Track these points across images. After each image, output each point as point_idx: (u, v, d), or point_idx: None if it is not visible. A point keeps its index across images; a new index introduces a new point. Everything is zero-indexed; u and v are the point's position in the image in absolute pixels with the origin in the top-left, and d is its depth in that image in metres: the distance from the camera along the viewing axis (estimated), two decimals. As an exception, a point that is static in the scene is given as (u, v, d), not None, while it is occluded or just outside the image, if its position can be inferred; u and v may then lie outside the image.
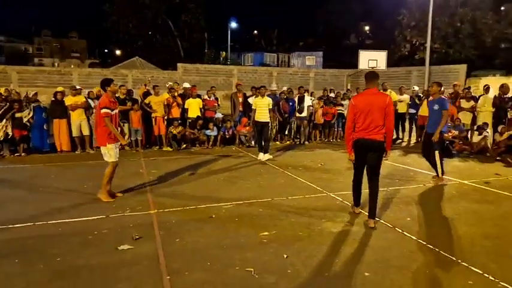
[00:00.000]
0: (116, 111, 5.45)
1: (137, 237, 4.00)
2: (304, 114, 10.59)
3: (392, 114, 4.23)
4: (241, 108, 10.67)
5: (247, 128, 10.36)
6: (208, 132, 10.23)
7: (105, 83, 5.34)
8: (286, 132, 11.08)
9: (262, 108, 8.32)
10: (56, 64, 44.90)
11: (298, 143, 10.89)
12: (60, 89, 9.30)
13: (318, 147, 10.31)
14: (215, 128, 10.35)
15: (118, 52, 46.07)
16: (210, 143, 10.17)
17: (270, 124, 8.84)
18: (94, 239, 3.99)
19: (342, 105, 11.30)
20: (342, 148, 10.00)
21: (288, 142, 10.96)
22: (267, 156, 8.37)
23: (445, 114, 5.99)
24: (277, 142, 10.87)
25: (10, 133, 8.39)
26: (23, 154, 8.68)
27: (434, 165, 6.30)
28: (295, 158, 8.71)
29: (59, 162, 8.05)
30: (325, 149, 9.94)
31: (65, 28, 54.86)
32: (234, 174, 6.99)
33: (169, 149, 9.72)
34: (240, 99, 10.66)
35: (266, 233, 4.13)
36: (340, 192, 5.65)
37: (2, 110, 8.27)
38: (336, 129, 11.34)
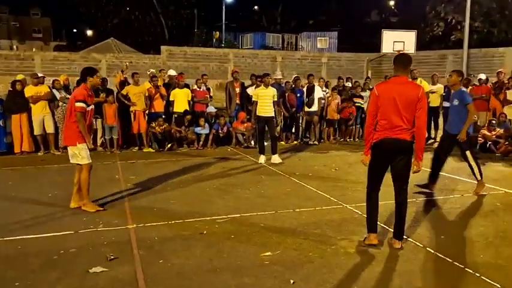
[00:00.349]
0: (92, 107, 5.50)
1: (112, 257, 4.00)
2: (315, 108, 10.60)
3: (426, 110, 4.12)
4: (238, 101, 10.69)
5: (246, 124, 10.38)
6: (198, 129, 10.24)
7: (87, 72, 5.42)
8: (293, 130, 11.09)
9: (266, 101, 8.34)
10: (15, 47, 44.97)
11: (307, 143, 10.90)
12: (20, 77, 9.32)
13: (331, 148, 10.33)
14: (207, 124, 10.37)
15: (89, 33, 46.16)
16: (201, 142, 10.19)
17: (275, 119, 8.85)
18: (60, 259, 3.98)
19: (361, 97, 11.31)
20: (362, 150, 9.97)
21: (295, 142, 10.98)
22: (277, 158, 8.39)
23: (471, 110, 6.00)
24: (282, 142, 10.88)
25: None
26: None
27: (473, 169, 6.30)
28: (303, 161, 8.71)
29: (18, 166, 8.05)
30: (340, 151, 9.95)
31: (25, 3, 54.80)
32: (230, 181, 7.00)
33: (150, 150, 9.74)
34: (237, 90, 10.68)
35: (268, 253, 4.12)
36: (359, 204, 5.63)
37: None
38: (354, 127, 11.34)
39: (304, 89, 10.71)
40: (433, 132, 11.05)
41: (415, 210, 5.47)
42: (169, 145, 9.90)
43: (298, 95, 10.72)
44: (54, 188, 6.37)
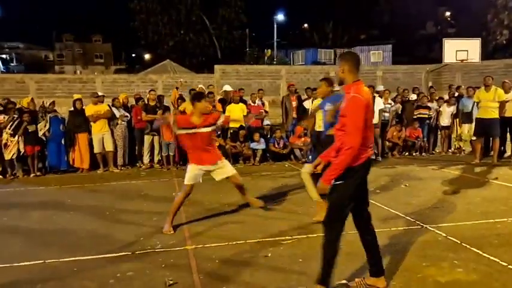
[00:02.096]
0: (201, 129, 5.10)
1: (171, 282, 3.65)
2: (375, 120, 9.87)
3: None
4: (294, 115, 10.24)
5: (303, 139, 9.89)
6: (254, 145, 9.89)
7: (194, 97, 5.16)
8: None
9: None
10: (79, 71, 47.74)
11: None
12: (77, 96, 9.43)
13: (397, 163, 9.53)
14: (262, 140, 10.00)
15: (147, 56, 48.12)
16: (257, 158, 9.81)
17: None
18: (116, 283, 3.69)
19: (428, 108, 10.47)
20: (432, 164, 9.21)
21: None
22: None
23: None
24: (342, 157, 10.24)
25: (22, 150, 8.59)
26: (38, 174, 8.85)
27: None
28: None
29: (77, 184, 8.07)
30: (407, 166, 9.14)
31: (88, 31, 58.46)
32: (290, 198, 6.53)
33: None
34: (294, 104, 10.25)
35: (344, 281, 3.60)
36: (441, 225, 4.97)
37: (14, 123, 8.49)
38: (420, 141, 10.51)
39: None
40: (508, 145, 9.92)
41: (506, 231, 4.68)
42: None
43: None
44: (112, 206, 6.21)
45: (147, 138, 9.46)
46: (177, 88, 10.73)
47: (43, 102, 9.49)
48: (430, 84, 18.44)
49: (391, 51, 31.92)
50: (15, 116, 8.64)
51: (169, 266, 4.02)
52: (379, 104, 9.81)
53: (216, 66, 21.56)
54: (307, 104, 10.00)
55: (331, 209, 3.32)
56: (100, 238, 4.87)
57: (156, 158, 9.62)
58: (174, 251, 4.40)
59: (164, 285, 3.61)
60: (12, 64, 52.38)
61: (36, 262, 4.13)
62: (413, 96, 10.93)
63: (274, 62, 32.11)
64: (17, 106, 9.04)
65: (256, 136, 9.94)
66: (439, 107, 10.58)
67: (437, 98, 10.83)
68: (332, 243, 3.30)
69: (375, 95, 9.93)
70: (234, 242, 4.59)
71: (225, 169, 5.42)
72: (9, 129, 8.45)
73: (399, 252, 4.21)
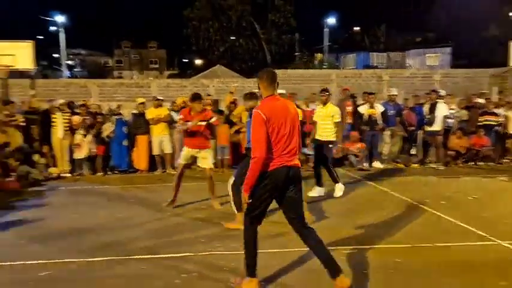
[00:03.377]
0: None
1: (233, 285, 3.64)
2: (438, 127, 9.41)
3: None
4: (350, 120, 10.01)
5: (359, 144, 9.64)
6: (306, 150, 9.75)
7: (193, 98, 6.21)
8: (414, 151, 10.04)
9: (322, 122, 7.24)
10: (135, 76, 49.72)
11: (428, 166, 9.74)
12: (140, 100, 9.77)
13: (461, 172, 9.03)
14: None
15: (198, 62, 49.31)
16: (310, 163, 9.66)
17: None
18: (183, 283, 3.75)
19: (494, 114, 9.86)
20: (501, 174, 8.66)
21: (415, 165, 9.88)
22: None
23: None
24: (399, 164, 9.89)
25: (94, 150, 9.03)
26: (103, 173, 9.27)
27: None
28: (431, 187, 7.70)
29: (139, 184, 8.31)
30: (473, 176, 8.64)
31: (144, 38, 60.98)
32: (351, 207, 6.36)
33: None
34: (349, 108, 10.02)
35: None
36: (518, 240, 4.62)
37: (87, 124, 9.01)
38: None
39: (425, 107, 9.62)
40: None
41: None
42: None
43: (417, 111, 9.69)
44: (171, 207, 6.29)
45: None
46: (231, 93, 10.84)
47: (109, 105, 9.95)
48: (496, 89, 17.39)
49: (449, 54, 30.51)
50: (87, 117, 9.11)
51: (231, 270, 4.01)
52: (442, 110, 9.34)
53: (267, 71, 21.66)
54: (363, 109, 9.80)
55: (246, 210, 3.57)
56: (163, 238, 4.97)
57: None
58: (235, 254, 4.38)
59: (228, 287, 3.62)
60: (75, 70, 55.65)
61: (108, 258, 4.29)
62: (481, 101, 10.31)
63: (324, 66, 31.72)
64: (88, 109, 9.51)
65: (308, 141, 9.79)
66: (507, 113, 9.94)
67: (504, 103, 10.18)
68: (247, 243, 3.55)
69: (438, 100, 9.46)
70: (297, 249, 4.49)
71: (206, 160, 6.33)
72: (81, 129, 8.91)
73: (472, 270, 3.97)
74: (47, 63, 46.26)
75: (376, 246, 4.59)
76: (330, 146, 6.98)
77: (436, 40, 35.02)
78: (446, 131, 9.63)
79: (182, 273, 3.93)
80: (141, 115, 9.41)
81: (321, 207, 6.30)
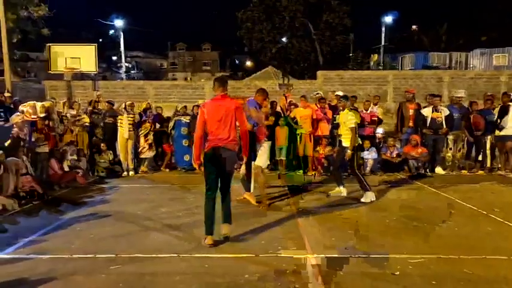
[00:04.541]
0: None
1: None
2: (509, 132, 8.89)
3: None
4: (411, 123, 9.71)
5: (420, 149, 9.32)
6: (365, 154, 9.58)
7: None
8: (480, 158, 9.55)
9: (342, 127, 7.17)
10: (189, 78, 51.21)
11: (496, 173, 9.24)
12: (200, 101, 10.13)
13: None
14: (374, 149, 9.64)
15: (248, 63, 49.85)
16: (368, 168, 9.49)
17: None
18: (246, 283, 3.82)
19: None
20: None
21: (480, 172, 9.41)
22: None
23: None
24: (464, 171, 9.46)
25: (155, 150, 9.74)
26: (166, 170, 9.78)
27: None
28: (499, 195, 7.31)
29: (197, 184, 8.43)
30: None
31: (199, 40, 62.86)
32: (412, 214, 6.15)
33: (316, 174, 9.42)
34: (411, 112, 9.72)
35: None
36: None
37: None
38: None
39: (496, 110, 9.13)
40: None
41: None
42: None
43: (486, 116, 9.21)
44: (235, 209, 6.32)
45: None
46: (285, 96, 10.87)
47: (176, 106, 10.42)
48: None
49: (518, 54, 28.67)
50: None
51: (292, 273, 4.04)
52: (512, 113, 8.83)
53: (319, 72, 21.42)
54: (426, 112, 9.46)
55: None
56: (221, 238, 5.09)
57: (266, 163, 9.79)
58: (296, 258, 4.41)
59: (291, 291, 3.66)
60: (133, 71, 58.32)
61: (172, 255, 4.46)
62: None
63: (381, 67, 30.90)
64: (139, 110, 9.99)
65: (367, 144, 9.61)
66: None
67: None
68: (205, 205, 4.82)
69: (510, 103, 8.93)
70: (357, 256, 4.47)
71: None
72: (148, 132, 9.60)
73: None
74: (105, 65, 48.78)
75: (444, 256, 4.41)
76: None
77: (501, 39, 33.00)
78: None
79: (245, 273, 4.01)
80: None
81: (380, 213, 6.17)
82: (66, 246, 4.72)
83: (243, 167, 6.17)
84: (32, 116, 7.56)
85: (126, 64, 45.53)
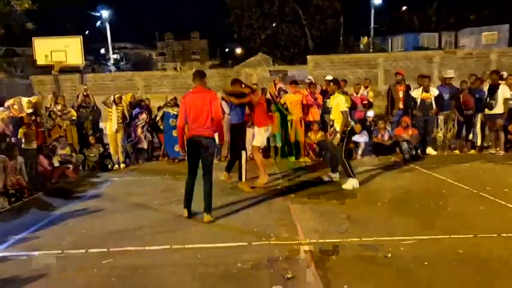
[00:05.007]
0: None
1: (289, 276, 3.69)
2: (499, 110, 8.91)
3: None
4: (401, 105, 9.71)
5: (410, 131, 9.33)
6: (356, 137, 9.56)
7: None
8: (471, 137, 9.59)
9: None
10: (178, 68, 50.74)
11: (487, 152, 9.29)
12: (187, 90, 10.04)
13: (523, 158, 8.57)
14: (365, 132, 9.63)
15: (238, 50, 49.44)
16: (359, 151, 9.50)
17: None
18: (239, 273, 3.83)
19: None
20: None
21: (472, 151, 9.46)
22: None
23: None
24: (455, 151, 9.51)
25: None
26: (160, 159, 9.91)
27: None
28: (491, 173, 7.39)
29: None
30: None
31: (187, 28, 62.25)
32: (404, 195, 6.22)
33: (307, 160, 9.42)
34: (400, 94, 9.71)
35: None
36: None
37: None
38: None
39: (485, 88, 9.14)
40: None
41: None
42: (324, 154, 9.44)
43: (477, 95, 9.22)
44: (225, 196, 6.30)
45: (248, 131, 9.65)
46: (274, 82, 10.80)
47: (166, 97, 10.33)
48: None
49: (508, 31, 28.62)
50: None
51: (285, 259, 4.07)
52: (504, 92, 8.84)
53: (309, 57, 21.28)
54: (416, 93, 9.45)
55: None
56: (216, 227, 5.09)
57: (263, 143, 9.74)
58: (289, 245, 4.43)
59: (283, 278, 3.66)
60: (121, 63, 57.63)
61: (165, 247, 4.45)
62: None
63: (371, 50, 30.79)
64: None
65: (358, 128, 9.59)
66: None
67: None
68: (185, 184, 5.40)
69: (500, 82, 8.95)
70: (349, 239, 4.50)
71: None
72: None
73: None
74: (93, 58, 48.12)
75: (436, 236, 4.46)
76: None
77: (491, 18, 32.94)
78: (509, 114, 9.07)
79: (238, 262, 4.02)
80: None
81: (373, 196, 6.19)
82: (58, 242, 4.69)
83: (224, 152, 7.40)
84: (19, 112, 7.45)
85: (114, 56, 45.00)
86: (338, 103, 6.72)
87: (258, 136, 7.06)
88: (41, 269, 3.96)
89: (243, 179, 6.78)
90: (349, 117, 6.83)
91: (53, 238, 4.83)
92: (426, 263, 3.84)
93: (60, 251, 4.40)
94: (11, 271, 3.97)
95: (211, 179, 5.32)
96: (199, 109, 5.17)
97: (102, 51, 46.52)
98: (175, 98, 9.90)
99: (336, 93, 6.86)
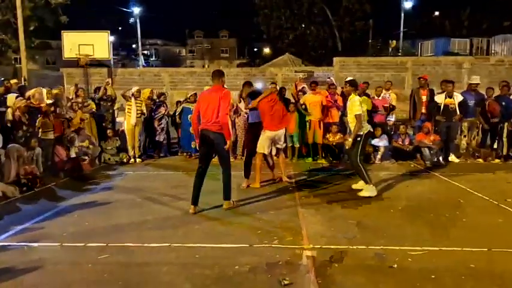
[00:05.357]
0: None
1: (287, 282, 3.51)
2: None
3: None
4: (424, 110, 9.30)
5: (432, 137, 8.93)
6: (375, 141, 9.25)
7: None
8: (495, 146, 9.10)
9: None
10: (206, 65, 51.03)
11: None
12: (206, 87, 9.87)
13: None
14: (385, 136, 9.29)
15: (267, 50, 49.29)
16: (378, 156, 9.16)
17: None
18: (235, 276, 3.67)
19: None
20: None
21: (497, 160, 8.97)
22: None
23: None
24: (479, 159, 9.04)
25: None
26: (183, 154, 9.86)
27: None
28: (515, 184, 6.94)
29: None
30: None
31: (216, 27, 62.51)
32: (419, 203, 5.88)
33: (324, 162, 9.16)
34: (424, 98, 9.30)
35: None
36: None
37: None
38: None
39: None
40: None
41: None
42: (342, 157, 9.16)
43: (504, 103, 8.73)
44: (236, 197, 5.99)
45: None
46: (295, 85, 10.58)
47: (187, 93, 10.31)
48: None
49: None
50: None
51: (285, 264, 3.88)
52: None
53: (335, 59, 20.91)
54: (439, 99, 9.04)
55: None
56: (220, 227, 4.94)
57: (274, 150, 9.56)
58: (291, 249, 4.24)
59: (280, 285, 3.47)
60: (151, 59, 58.46)
61: (163, 245, 4.32)
62: None
63: (399, 54, 30.03)
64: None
65: (378, 131, 9.28)
66: None
67: None
68: (194, 178, 5.60)
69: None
70: (355, 246, 4.26)
71: None
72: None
73: None
74: (125, 53, 49.03)
75: (447, 248, 4.16)
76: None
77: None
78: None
79: (235, 264, 3.85)
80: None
81: (387, 202, 5.91)
82: (59, 233, 4.64)
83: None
84: (39, 102, 7.51)
85: (145, 52, 45.71)
86: (352, 105, 6.37)
87: (260, 140, 6.83)
88: (36, 261, 3.90)
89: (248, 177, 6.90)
90: (364, 121, 6.44)
91: (55, 230, 4.79)
92: (433, 276, 3.58)
93: (59, 244, 4.34)
94: (7, 261, 3.92)
95: (228, 169, 5.57)
96: (210, 105, 5.41)
97: (134, 46, 47.32)
98: (195, 94, 9.82)
99: (352, 95, 6.54)
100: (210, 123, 5.39)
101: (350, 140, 6.39)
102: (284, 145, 7.53)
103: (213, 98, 5.42)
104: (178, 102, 10.46)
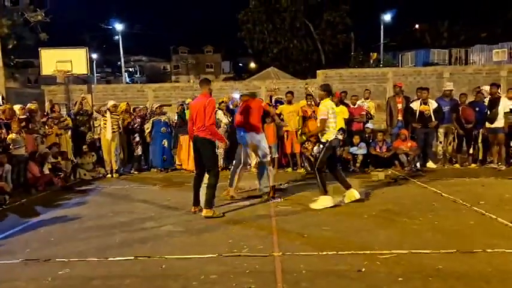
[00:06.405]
0: None
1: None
2: (500, 124, 8.54)
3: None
4: (400, 117, 9.38)
5: (409, 143, 9.00)
6: (354, 149, 9.28)
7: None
8: (471, 151, 9.19)
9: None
10: (192, 81, 51.07)
11: (489, 166, 8.87)
12: (188, 100, 9.72)
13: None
14: (363, 144, 9.33)
15: (252, 65, 49.69)
16: (357, 164, 9.17)
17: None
18: (199, 286, 3.56)
19: None
20: None
21: (473, 165, 9.05)
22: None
23: None
24: (456, 165, 9.12)
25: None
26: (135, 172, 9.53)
27: None
28: (488, 188, 6.98)
29: (177, 185, 8.19)
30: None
31: (201, 43, 62.74)
32: (393, 208, 5.87)
33: (302, 171, 9.13)
34: (399, 106, 9.39)
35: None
36: None
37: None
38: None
39: (486, 101, 8.78)
40: None
41: None
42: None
43: (477, 109, 8.84)
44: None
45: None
46: (270, 97, 10.63)
47: (151, 105, 10.12)
48: None
49: (518, 49, 28.08)
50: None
51: (253, 273, 3.79)
52: (504, 105, 8.47)
53: (319, 71, 21.17)
54: (415, 106, 9.13)
55: None
56: (191, 237, 4.85)
57: (254, 162, 9.50)
58: (260, 258, 4.15)
59: (245, 294, 3.39)
60: (136, 76, 58.28)
61: (129, 258, 4.20)
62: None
63: (381, 65, 30.48)
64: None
65: (356, 139, 9.32)
66: None
67: None
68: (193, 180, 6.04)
69: (500, 94, 8.60)
70: (324, 252, 4.19)
71: None
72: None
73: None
74: (110, 70, 48.87)
75: (417, 251, 4.13)
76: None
77: (501, 35, 32.35)
78: (510, 129, 8.66)
79: (201, 274, 3.75)
80: (184, 115, 9.42)
81: (362, 209, 5.87)
82: (22, 249, 4.48)
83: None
84: (10, 118, 7.38)
85: (130, 69, 45.61)
86: (320, 109, 6.18)
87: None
88: (-7, 278, 3.75)
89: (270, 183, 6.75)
90: (333, 129, 6.18)
91: (19, 245, 4.63)
92: (400, 279, 3.53)
93: (20, 260, 4.18)
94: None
95: (214, 177, 5.66)
96: (197, 112, 5.70)
97: (119, 63, 47.23)
98: (160, 106, 9.75)
99: (324, 99, 6.28)
100: (198, 130, 5.68)
101: (311, 145, 6.36)
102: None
103: (199, 106, 5.69)
104: (144, 118, 9.86)
